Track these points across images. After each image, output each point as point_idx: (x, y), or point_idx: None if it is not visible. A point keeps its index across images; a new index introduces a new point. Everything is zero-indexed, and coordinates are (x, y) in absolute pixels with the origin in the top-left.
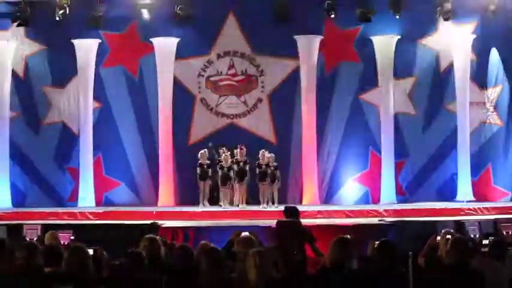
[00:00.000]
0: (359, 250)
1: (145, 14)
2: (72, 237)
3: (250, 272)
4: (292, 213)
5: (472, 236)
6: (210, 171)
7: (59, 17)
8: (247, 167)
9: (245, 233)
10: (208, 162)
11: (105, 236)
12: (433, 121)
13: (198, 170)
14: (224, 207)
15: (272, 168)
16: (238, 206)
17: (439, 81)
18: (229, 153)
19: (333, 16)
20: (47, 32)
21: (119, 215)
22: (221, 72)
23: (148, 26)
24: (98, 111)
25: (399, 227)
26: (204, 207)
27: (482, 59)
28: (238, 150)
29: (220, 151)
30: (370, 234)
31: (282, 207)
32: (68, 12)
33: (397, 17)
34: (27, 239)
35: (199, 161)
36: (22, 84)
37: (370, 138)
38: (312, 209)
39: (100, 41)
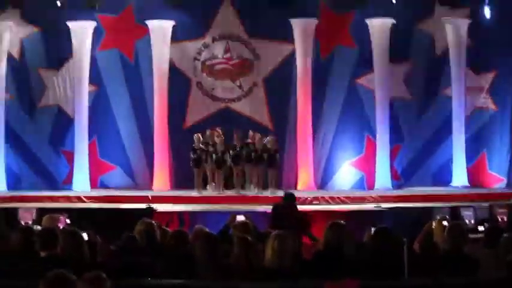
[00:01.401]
0: (355, 236)
1: None
2: (68, 221)
3: (268, 254)
4: (290, 199)
5: (467, 221)
6: (204, 155)
7: (60, 1)
8: (243, 151)
9: (241, 217)
10: (203, 146)
11: (100, 220)
12: (429, 106)
13: (192, 154)
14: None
15: (272, 151)
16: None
17: (435, 65)
18: (222, 137)
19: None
20: (42, 14)
21: (114, 198)
22: (216, 56)
23: (143, 9)
24: (93, 95)
25: (395, 213)
26: (201, 194)
27: (478, 43)
28: (233, 134)
29: (213, 133)
30: (365, 220)
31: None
32: None
33: (393, 0)
34: (22, 223)
35: (193, 145)
36: (17, 67)
37: (366, 123)
38: (307, 195)
39: (96, 23)
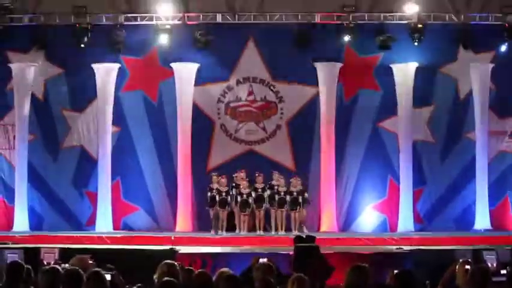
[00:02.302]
0: (376, 278)
1: (165, 39)
2: (91, 262)
3: None
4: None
5: (489, 264)
6: (218, 197)
7: (83, 44)
8: (265, 194)
9: (263, 259)
10: (219, 187)
11: (122, 261)
12: (452, 149)
13: (209, 194)
14: (242, 233)
15: (295, 193)
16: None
17: (458, 109)
18: (247, 179)
19: (348, 42)
20: (66, 56)
21: (136, 240)
22: (240, 98)
23: (168, 51)
24: (116, 136)
25: (417, 256)
26: (216, 235)
27: (501, 87)
28: (256, 176)
29: (238, 176)
30: (387, 263)
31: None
32: (89, 36)
33: (416, 43)
34: (45, 263)
35: (210, 185)
36: (41, 107)
37: (389, 166)
38: (329, 236)
39: (119, 65)
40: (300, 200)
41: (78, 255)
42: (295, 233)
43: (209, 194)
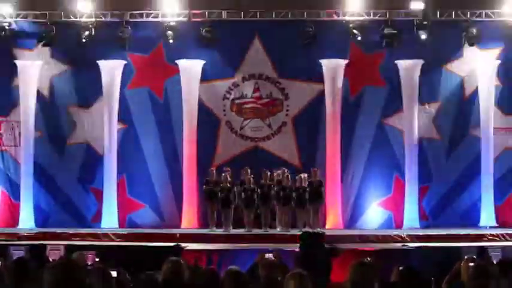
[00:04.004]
0: (381, 275)
1: (171, 36)
2: (97, 259)
3: None
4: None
5: (494, 261)
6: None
7: (84, 38)
8: (271, 191)
9: (269, 255)
10: (215, 180)
11: (128, 258)
12: (458, 146)
13: (205, 187)
14: (247, 230)
15: (301, 190)
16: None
17: (464, 106)
18: (252, 176)
19: (359, 39)
20: (72, 53)
21: (142, 236)
22: (246, 95)
23: (174, 48)
24: (122, 132)
25: (422, 253)
26: (213, 231)
27: (507, 84)
28: (262, 173)
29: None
30: (393, 260)
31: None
32: (93, 33)
33: (421, 40)
34: (50, 260)
35: (207, 178)
36: (47, 104)
37: (394, 163)
38: (335, 233)
39: (125, 62)
40: (307, 196)
41: (79, 252)
42: (303, 229)
43: (205, 187)
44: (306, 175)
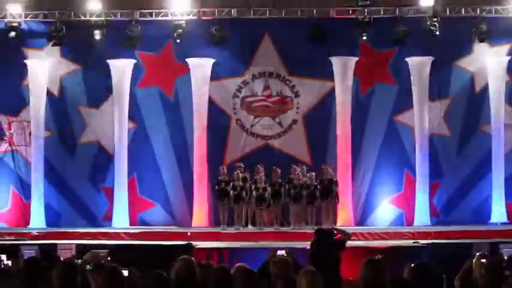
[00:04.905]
0: (393, 273)
1: (181, 35)
2: (108, 258)
3: None
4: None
5: (505, 257)
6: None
7: (94, 38)
8: (282, 189)
9: (281, 252)
10: (228, 179)
11: (139, 257)
12: (468, 143)
13: (217, 187)
14: (260, 228)
15: (312, 188)
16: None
17: (474, 102)
18: (263, 173)
19: (365, 38)
20: (81, 52)
21: (153, 235)
22: (256, 93)
23: (183, 47)
24: (132, 131)
25: (434, 250)
26: (224, 229)
27: None
28: (273, 171)
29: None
30: (404, 257)
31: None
32: (104, 32)
33: (431, 37)
34: (62, 259)
35: (219, 178)
36: (57, 104)
37: (405, 160)
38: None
39: (135, 61)
40: (317, 194)
41: (92, 251)
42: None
43: (217, 187)
44: (314, 174)
